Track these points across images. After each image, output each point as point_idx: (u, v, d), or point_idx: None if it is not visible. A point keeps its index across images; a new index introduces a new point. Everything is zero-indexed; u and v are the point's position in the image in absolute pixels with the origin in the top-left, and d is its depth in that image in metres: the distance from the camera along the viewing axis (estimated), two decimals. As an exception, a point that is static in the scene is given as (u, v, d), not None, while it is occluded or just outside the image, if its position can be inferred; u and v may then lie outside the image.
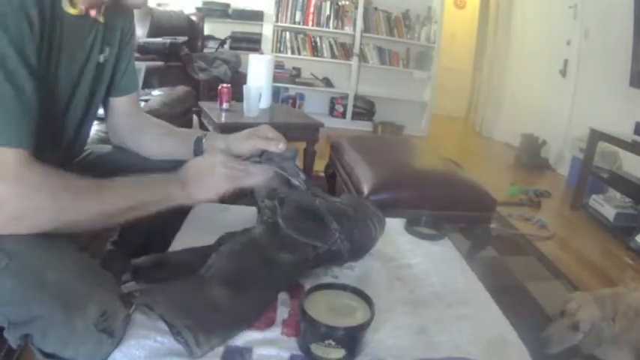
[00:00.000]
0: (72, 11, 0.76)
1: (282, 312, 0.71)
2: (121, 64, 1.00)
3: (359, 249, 0.86)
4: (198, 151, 1.01)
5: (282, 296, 0.74)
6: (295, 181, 0.88)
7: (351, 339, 0.62)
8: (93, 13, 0.82)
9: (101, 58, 0.90)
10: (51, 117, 0.81)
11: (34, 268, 0.60)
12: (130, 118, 1.07)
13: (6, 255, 0.60)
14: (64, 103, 0.84)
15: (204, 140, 1.01)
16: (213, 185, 0.82)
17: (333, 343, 0.60)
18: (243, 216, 1.04)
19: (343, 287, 0.70)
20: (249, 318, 0.67)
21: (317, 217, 0.82)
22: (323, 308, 0.64)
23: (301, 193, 0.87)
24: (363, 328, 0.62)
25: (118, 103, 1.04)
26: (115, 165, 1.05)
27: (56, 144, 0.87)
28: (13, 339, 0.61)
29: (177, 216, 1.00)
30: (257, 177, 0.85)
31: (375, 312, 0.64)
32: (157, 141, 1.06)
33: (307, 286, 0.74)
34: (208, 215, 1.01)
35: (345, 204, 0.89)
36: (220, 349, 0.61)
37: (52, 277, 0.60)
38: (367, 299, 0.68)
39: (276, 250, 0.75)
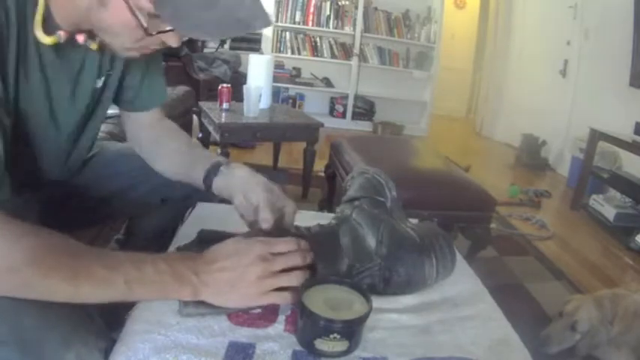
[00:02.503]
0: (46, 40, 0.67)
1: (285, 308, 0.71)
2: (133, 81, 0.92)
3: (401, 284, 0.78)
4: (208, 180, 0.86)
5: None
6: (387, 193, 0.85)
7: (355, 330, 0.63)
8: (81, 39, 0.71)
9: (99, 83, 0.84)
10: (38, 147, 0.79)
11: (11, 311, 0.56)
12: (148, 130, 0.98)
13: None
14: (52, 131, 0.81)
15: (222, 168, 0.86)
16: (240, 297, 0.65)
17: (338, 337, 0.61)
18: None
19: (339, 282, 0.71)
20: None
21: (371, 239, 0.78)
22: (321, 302, 0.65)
23: (369, 211, 0.82)
24: (366, 317, 0.64)
25: (137, 116, 0.97)
26: (116, 169, 1.03)
27: (49, 165, 0.85)
28: None
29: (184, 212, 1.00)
30: (297, 279, 0.67)
31: (372, 303, 0.65)
32: (169, 158, 0.96)
33: None
34: (210, 214, 1.01)
35: (414, 230, 0.81)
36: (223, 346, 0.62)
37: (29, 323, 0.57)
38: (363, 292, 0.69)
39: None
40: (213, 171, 0.86)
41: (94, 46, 0.73)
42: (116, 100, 0.94)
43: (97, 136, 0.97)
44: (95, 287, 0.58)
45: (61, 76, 0.76)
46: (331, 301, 0.66)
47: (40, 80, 0.73)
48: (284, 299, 0.67)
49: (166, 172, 0.95)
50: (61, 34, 0.68)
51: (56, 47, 0.70)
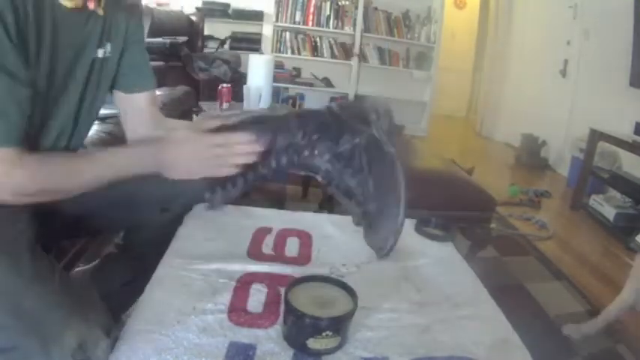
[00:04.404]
0: (68, 4, 0.75)
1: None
2: (129, 60, 0.98)
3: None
4: None
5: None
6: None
7: (345, 325, 0.64)
8: (91, 5, 0.80)
9: (99, 53, 0.88)
10: (40, 112, 0.80)
11: (11, 294, 0.58)
12: (146, 116, 1.05)
13: None
14: (54, 98, 0.83)
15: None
16: (192, 171, 0.84)
17: (330, 334, 0.62)
18: (244, 217, 1.04)
19: (326, 279, 0.72)
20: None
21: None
22: (306, 301, 0.65)
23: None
24: (353, 312, 0.65)
25: (133, 100, 1.03)
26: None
27: (47, 137, 0.86)
28: None
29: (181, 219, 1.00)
30: (241, 157, 0.84)
31: (357, 298, 0.67)
32: None
33: None
34: (210, 215, 1.01)
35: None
36: (224, 347, 0.62)
37: (29, 305, 0.58)
38: (347, 288, 0.69)
39: None
40: None
41: (100, 11, 0.84)
42: (113, 82, 0.99)
43: (93, 122, 1.00)
44: (99, 168, 0.80)
45: (68, 44, 0.80)
46: (317, 298, 0.67)
47: (48, 48, 0.76)
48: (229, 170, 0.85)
49: None
50: (79, 0, 0.77)
51: (68, 14, 0.76)
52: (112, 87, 1.00)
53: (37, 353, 0.58)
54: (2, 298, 0.57)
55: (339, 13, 4.79)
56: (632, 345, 1.56)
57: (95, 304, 0.66)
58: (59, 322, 0.59)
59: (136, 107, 1.04)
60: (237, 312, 0.69)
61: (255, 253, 0.89)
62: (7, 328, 0.57)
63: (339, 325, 0.63)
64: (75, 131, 0.92)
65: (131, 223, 1.11)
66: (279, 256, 0.89)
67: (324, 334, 0.61)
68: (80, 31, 0.83)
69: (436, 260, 0.94)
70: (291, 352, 0.63)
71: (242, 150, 0.84)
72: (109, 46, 0.90)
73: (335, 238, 0.99)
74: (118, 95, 1.02)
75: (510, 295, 1.76)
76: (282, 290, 0.70)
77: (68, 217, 0.94)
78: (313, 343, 0.62)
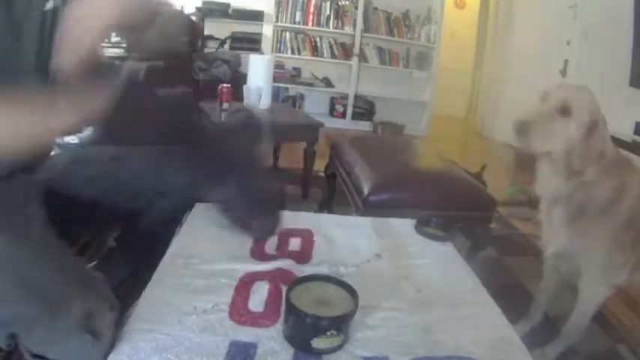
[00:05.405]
0: None
1: None
2: None
3: None
4: None
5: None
6: None
7: (348, 323, 0.65)
8: None
9: (49, 4, 0.81)
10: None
11: (18, 267, 0.58)
12: None
13: None
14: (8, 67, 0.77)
15: None
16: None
17: (335, 332, 0.62)
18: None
19: (327, 279, 0.72)
20: None
21: None
22: (308, 301, 0.66)
23: None
24: (355, 309, 0.65)
25: None
26: (105, 169, 1.01)
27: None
28: (1, 338, 0.60)
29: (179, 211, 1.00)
30: None
31: (358, 297, 0.67)
32: None
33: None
34: (209, 214, 1.01)
35: None
36: (225, 346, 0.62)
37: (37, 277, 0.58)
38: (347, 286, 0.70)
39: None
40: None
41: None
42: None
43: None
44: None
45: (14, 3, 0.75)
46: (318, 298, 0.67)
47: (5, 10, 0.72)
48: None
49: None
50: None
51: None
52: None
53: (43, 322, 0.58)
54: (10, 270, 0.57)
55: (339, 13, 4.79)
56: (632, 345, 1.56)
57: (100, 280, 0.67)
58: (68, 292, 0.59)
59: None
60: (239, 311, 0.69)
61: (258, 253, 0.89)
62: (15, 300, 0.57)
63: (340, 325, 0.63)
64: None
65: (129, 211, 1.11)
66: (282, 255, 0.89)
67: (328, 333, 0.62)
68: None
69: (436, 260, 0.94)
70: (291, 350, 0.63)
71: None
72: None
73: (335, 238, 0.99)
74: None
75: (510, 295, 1.76)
76: (284, 287, 0.70)
77: (67, 206, 0.94)
78: (317, 343, 0.62)
